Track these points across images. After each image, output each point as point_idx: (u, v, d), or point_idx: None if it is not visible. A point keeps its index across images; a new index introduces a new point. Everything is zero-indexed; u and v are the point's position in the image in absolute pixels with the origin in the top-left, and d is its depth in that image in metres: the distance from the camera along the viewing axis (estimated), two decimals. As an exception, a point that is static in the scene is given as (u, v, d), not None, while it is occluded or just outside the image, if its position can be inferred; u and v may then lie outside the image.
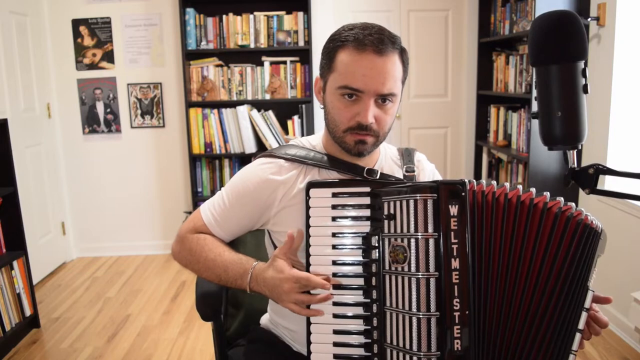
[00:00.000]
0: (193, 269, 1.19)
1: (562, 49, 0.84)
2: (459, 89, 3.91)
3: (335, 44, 1.08)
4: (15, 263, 2.59)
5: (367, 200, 1.04)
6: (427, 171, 1.26)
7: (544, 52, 0.85)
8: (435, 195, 0.95)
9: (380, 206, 1.01)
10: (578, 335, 0.92)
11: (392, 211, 0.98)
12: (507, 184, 0.98)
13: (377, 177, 1.12)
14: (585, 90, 0.84)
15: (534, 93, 1.13)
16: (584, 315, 0.92)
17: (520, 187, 0.97)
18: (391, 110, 1.08)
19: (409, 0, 3.77)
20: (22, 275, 2.64)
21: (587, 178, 0.88)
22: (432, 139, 3.96)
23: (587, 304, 0.93)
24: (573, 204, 0.95)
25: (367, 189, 1.04)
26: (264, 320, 1.33)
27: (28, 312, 2.66)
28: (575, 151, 0.89)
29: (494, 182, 0.98)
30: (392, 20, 3.80)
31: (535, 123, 2.51)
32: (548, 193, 0.96)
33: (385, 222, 0.99)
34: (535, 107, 1.66)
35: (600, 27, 2.56)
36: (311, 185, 1.07)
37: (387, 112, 1.07)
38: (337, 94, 1.07)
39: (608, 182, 2.41)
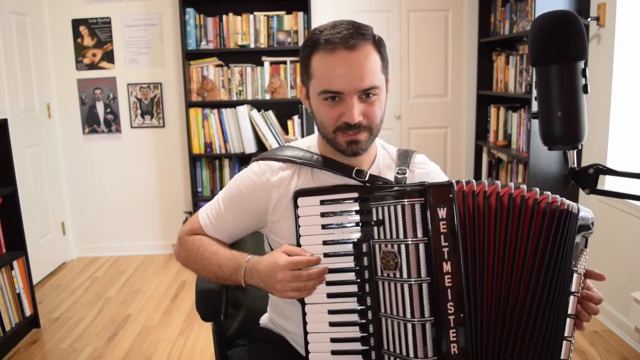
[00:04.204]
0: (192, 269, 1.22)
1: (562, 49, 0.84)
2: (459, 89, 3.91)
3: (307, 50, 1.08)
4: (15, 263, 2.59)
5: (355, 206, 1.03)
6: (430, 172, 1.23)
7: (544, 52, 0.85)
8: (423, 199, 0.94)
9: (369, 211, 1.00)
10: (569, 321, 0.91)
11: (380, 217, 0.98)
12: (499, 182, 0.97)
13: (366, 178, 1.11)
14: (585, 90, 0.84)
15: (534, 93, 1.14)
16: (572, 299, 0.90)
17: (512, 184, 0.97)
18: (378, 103, 1.07)
19: (409, 0, 3.77)
20: (22, 275, 2.64)
21: (587, 178, 0.88)
22: (432, 139, 3.96)
23: (573, 288, 0.90)
24: (549, 193, 0.95)
25: (355, 195, 1.03)
26: (264, 320, 1.34)
27: (28, 312, 2.66)
28: (575, 151, 0.89)
29: (485, 181, 0.97)
30: (392, 20, 3.80)
31: (535, 123, 2.51)
32: (525, 186, 0.96)
33: (375, 228, 0.99)
34: (535, 107, 1.66)
35: (600, 27, 2.56)
36: (298, 194, 1.07)
37: (373, 105, 1.06)
38: (320, 99, 1.06)
39: (608, 182, 2.41)
